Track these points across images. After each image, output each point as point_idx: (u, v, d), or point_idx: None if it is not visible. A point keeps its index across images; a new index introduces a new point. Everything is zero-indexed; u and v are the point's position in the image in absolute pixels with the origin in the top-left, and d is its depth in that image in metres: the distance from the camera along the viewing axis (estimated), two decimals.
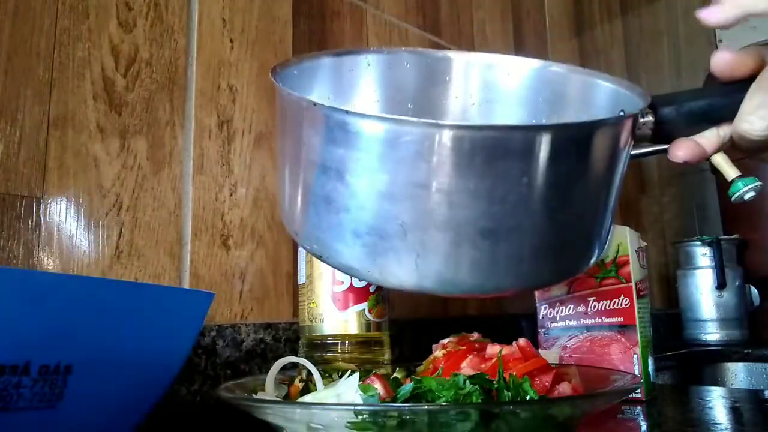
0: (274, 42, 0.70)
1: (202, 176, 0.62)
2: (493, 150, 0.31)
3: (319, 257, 0.37)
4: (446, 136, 0.30)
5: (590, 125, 0.34)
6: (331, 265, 0.37)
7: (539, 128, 0.34)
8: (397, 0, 0.88)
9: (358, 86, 0.48)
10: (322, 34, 0.76)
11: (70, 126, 0.53)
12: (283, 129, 0.38)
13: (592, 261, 0.37)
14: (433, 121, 0.32)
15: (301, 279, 0.55)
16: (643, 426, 0.48)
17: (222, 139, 0.64)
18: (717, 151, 0.38)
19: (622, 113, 0.34)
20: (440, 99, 0.50)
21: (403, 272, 0.33)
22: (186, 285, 0.59)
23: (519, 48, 1.12)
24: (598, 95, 0.43)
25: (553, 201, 0.32)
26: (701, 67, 1.58)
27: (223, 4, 0.66)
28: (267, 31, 0.70)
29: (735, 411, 0.52)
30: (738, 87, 0.35)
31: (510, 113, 0.48)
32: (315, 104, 0.34)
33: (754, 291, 1.29)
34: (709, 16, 0.36)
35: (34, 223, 0.50)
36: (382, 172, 0.31)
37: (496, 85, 0.49)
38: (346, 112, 0.32)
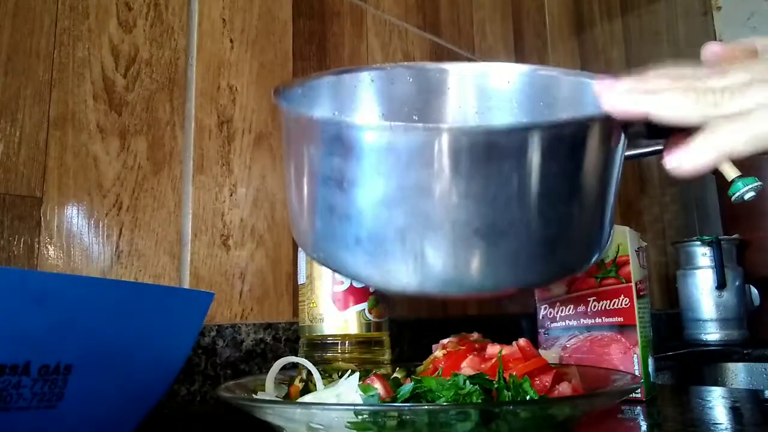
0: (274, 42, 0.70)
1: (202, 176, 0.62)
2: (481, 150, 0.31)
3: (326, 265, 0.38)
4: (433, 140, 0.31)
5: (577, 121, 0.34)
6: (337, 273, 0.38)
7: (526, 126, 0.35)
8: (398, 0, 0.88)
9: (362, 101, 0.50)
10: (322, 34, 0.76)
11: (70, 126, 0.53)
12: (288, 147, 0.39)
13: (593, 259, 0.38)
14: (420, 124, 0.33)
15: (301, 279, 0.55)
16: (643, 426, 0.48)
17: (222, 139, 0.64)
18: None
19: None
20: (443, 109, 0.51)
21: (404, 276, 0.34)
22: (186, 285, 0.59)
23: (519, 48, 1.12)
24: (588, 94, 0.44)
25: (545, 199, 0.33)
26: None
27: (223, 4, 0.66)
28: (267, 31, 0.70)
29: (735, 411, 0.52)
30: None
31: (511, 118, 0.49)
32: (312, 117, 0.35)
33: (754, 291, 1.29)
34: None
35: (34, 223, 0.50)
36: (377, 179, 0.32)
37: (491, 92, 0.50)
38: (340, 122, 0.34)
